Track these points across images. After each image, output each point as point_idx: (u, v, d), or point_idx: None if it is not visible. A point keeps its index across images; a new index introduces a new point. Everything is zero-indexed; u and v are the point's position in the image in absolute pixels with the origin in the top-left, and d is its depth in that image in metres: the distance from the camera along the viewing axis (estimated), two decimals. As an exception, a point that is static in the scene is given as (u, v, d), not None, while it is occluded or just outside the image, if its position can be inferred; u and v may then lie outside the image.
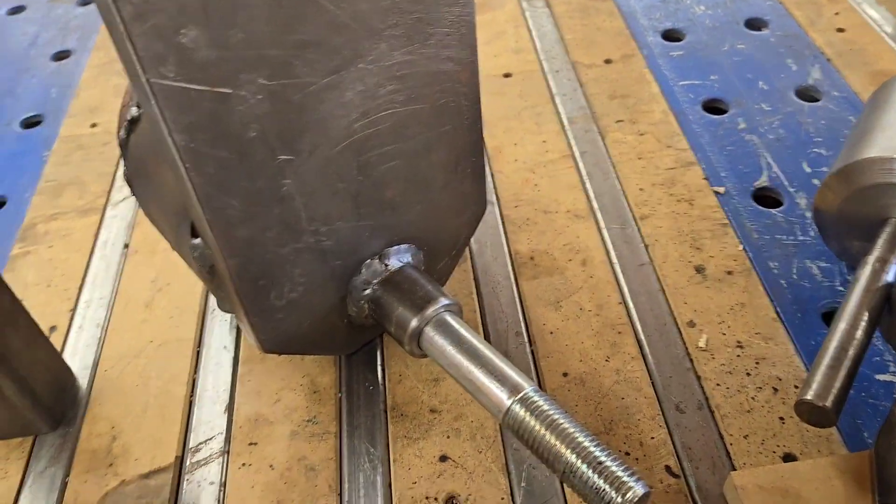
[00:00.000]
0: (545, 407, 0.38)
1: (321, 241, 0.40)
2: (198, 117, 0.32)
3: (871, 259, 0.42)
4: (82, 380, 0.50)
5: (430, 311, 0.41)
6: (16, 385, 0.43)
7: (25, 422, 0.46)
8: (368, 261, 0.43)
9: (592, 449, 0.36)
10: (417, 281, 0.43)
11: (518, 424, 0.38)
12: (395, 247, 0.44)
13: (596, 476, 0.35)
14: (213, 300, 0.53)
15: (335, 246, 0.41)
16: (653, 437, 0.43)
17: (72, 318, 0.54)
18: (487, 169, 0.61)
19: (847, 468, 0.38)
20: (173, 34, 0.29)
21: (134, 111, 0.42)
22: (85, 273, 0.57)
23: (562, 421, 0.37)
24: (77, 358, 0.51)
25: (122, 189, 0.64)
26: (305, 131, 0.36)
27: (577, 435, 0.36)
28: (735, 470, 0.41)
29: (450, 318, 0.42)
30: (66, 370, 0.49)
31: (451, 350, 0.40)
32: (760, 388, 0.45)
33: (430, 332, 0.41)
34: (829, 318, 0.49)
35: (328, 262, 0.41)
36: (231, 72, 0.32)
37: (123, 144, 0.43)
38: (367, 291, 0.43)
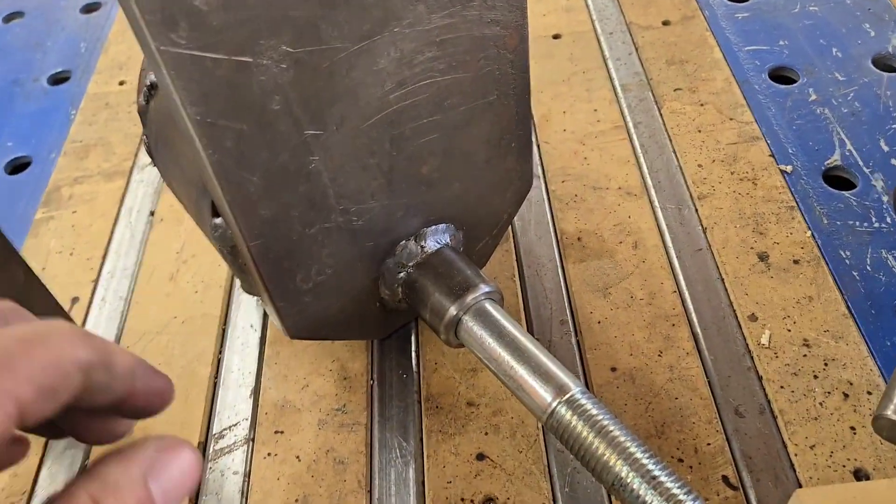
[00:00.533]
0: (594, 411, 0.34)
1: (351, 221, 0.36)
2: (214, 88, 0.28)
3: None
4: (104, 355, 0.48)
5: (469, 298, 0.38)
6: (33, 362, 0.41)
7: (44, 399, 0.44)
8: (403, 241, 0.40)
9: (645, 461, 0.32)
10: (455, 264, 0.40)
11: (563, 429, 0.34)
12: (433, 227, 0.40)
13: (649, 492, 0.32)
14: (239, 276, 0.51)
15: (367, 225, 0.37)
16: (709, 444, 0.39)
17: (94, 290, 0.52)
18: (534, 140, 0.57)
19: (929, 490, 0.34)
20: (185, -6, 0.26)
21: (153, 75, 0.39)
22: (109, 241, 0.55)
23: (612, 428, 0.34)
24: (99, 332, 0.49)
25: (149, 153, 0.61)
26: (334, 103, 0.32)
27: (629, 444, 0.33)
28: (800, 484, 0.37)
29: (490, 307, 0.38)
30: (87, 345, 0.47)
31: (490, 343, 0.37)
32: (829, 392, 0.41)
33: (469, 322, 0.38)
34: (906, 315, 0.44)
35: (359, 242, 0.38)
36: (250, 37, 0.28)
37: (143, 111, 0.40)
38: (402, 274, 0.40)
